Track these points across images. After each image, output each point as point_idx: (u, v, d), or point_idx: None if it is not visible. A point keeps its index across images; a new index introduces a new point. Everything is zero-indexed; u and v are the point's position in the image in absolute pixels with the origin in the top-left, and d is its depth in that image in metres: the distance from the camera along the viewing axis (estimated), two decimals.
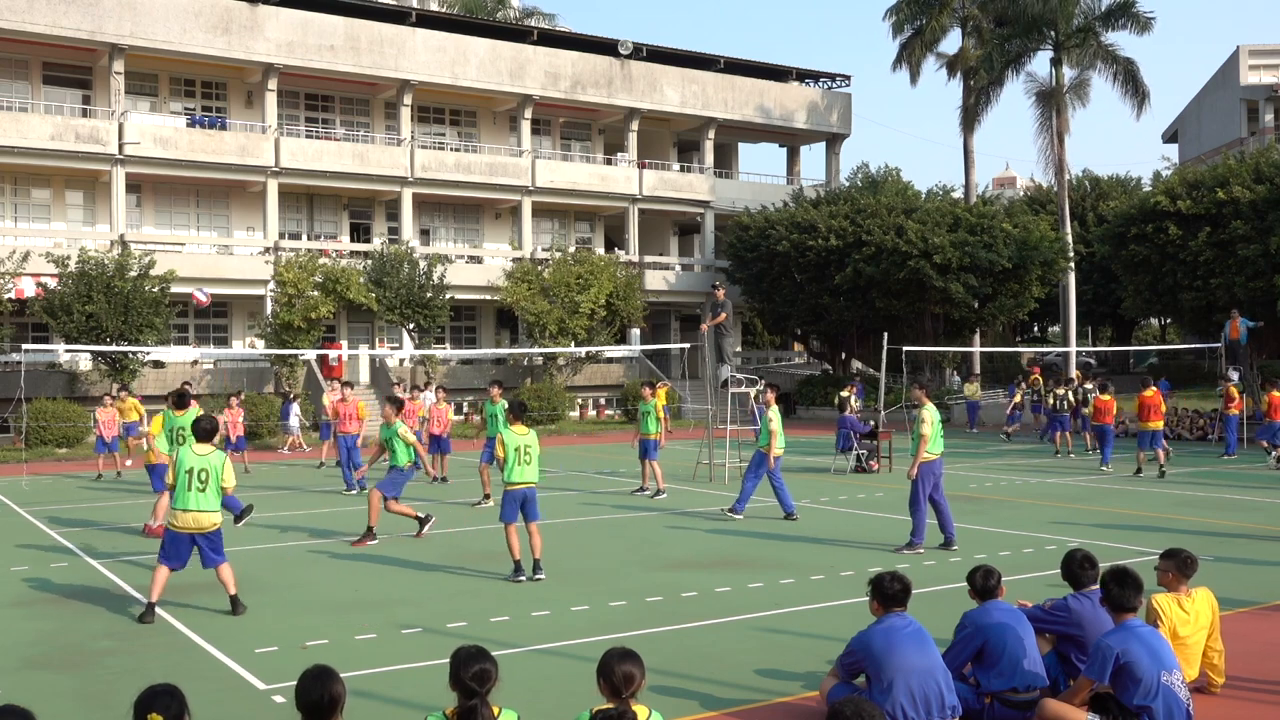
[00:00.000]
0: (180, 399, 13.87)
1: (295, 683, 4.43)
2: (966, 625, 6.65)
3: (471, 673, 4.60)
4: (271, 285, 35.67)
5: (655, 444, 18.27)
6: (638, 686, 4.79)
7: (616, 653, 4.87)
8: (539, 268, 39.43)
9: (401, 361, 38.30)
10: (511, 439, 11.10)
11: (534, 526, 11.18)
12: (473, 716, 4.54)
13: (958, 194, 44.99)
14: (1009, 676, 6.44)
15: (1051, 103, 40.96)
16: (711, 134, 46.87)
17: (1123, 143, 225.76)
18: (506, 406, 11.94)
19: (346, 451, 19.64)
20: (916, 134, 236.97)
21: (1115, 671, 5.94)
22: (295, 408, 29.15)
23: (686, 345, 34.08)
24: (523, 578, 10.96)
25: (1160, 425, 20.77)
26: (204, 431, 9.94)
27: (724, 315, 20.76)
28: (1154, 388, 21.10)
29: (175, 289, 32.58)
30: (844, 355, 43.80)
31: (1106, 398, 22.55)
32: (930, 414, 12.55)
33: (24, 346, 26.46)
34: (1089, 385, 26.34)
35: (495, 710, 4.63)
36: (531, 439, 11.22)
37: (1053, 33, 40.51)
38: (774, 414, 15.37)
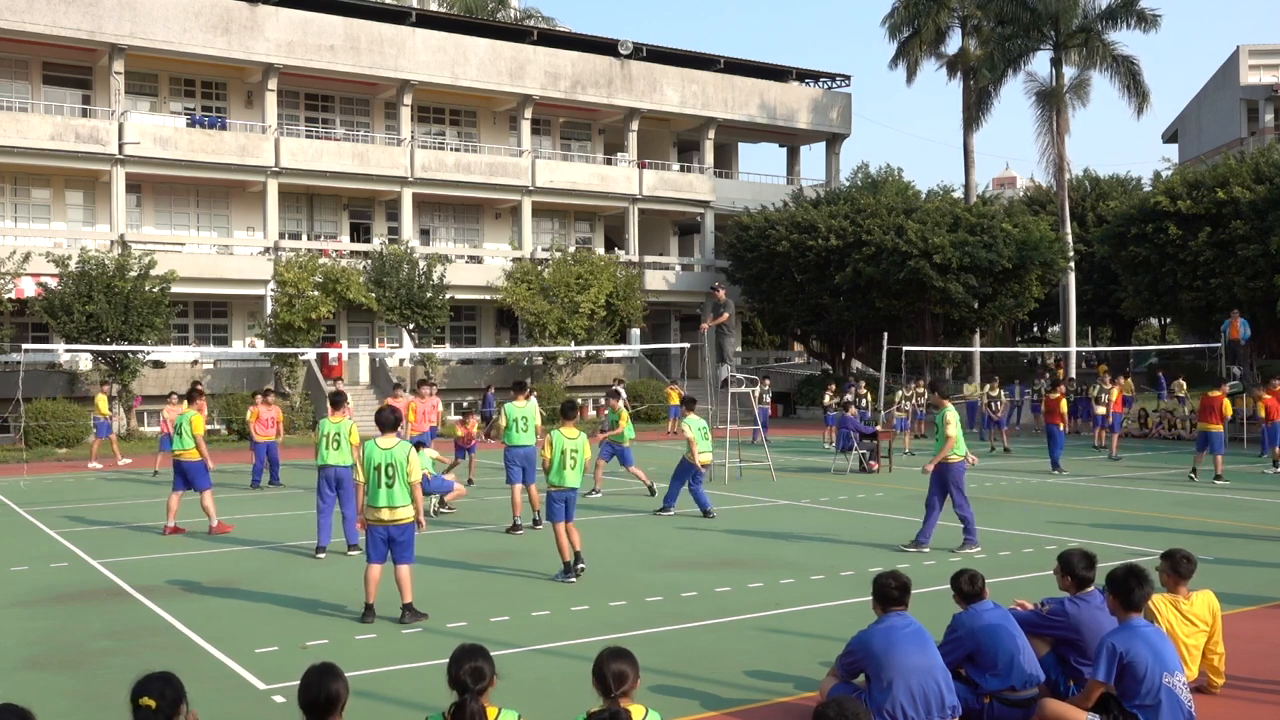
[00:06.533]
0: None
1: (299, 680, 4.45)
2: (958, 628, 6.64)
3: (464, 669, 4.61)
4: (271, 285, 35.67)
5: (627, 450, 18.23)
6: (631, 685, 4.79)
7: (608, 651, 4.90)
8: (539, 268, 39.42)
9: (401, 361, 38.29)
10: (560, 441, 10.93)
11: (570, 525, 11.03)
12: (461, 713, 4.52)
13: (958, 194, 44.97)
14: (1006, 676, 6.44)
15: (1052, 102, 40.96)
16: (711, 134, 46.86)
17: (1123, 143, 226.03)
18: (559, 408, 11.76)
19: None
20: (916, 134, 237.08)
21: (1118, 671, 5.93)
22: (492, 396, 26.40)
23: (686, 345, 34.10)
24: (573, 579, 10.85)
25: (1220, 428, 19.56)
26: (388, 422, 9.48)
27: (726, 315, 20.77)
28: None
29: (177, 289, 32.61)
30: (844, 355, 43.77)
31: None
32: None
33: (24, 346, 26.47)
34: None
35: (494, 711, 4.63)
36: (579, 443, 11.02)
37: (1053, 32, 40.53)
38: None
